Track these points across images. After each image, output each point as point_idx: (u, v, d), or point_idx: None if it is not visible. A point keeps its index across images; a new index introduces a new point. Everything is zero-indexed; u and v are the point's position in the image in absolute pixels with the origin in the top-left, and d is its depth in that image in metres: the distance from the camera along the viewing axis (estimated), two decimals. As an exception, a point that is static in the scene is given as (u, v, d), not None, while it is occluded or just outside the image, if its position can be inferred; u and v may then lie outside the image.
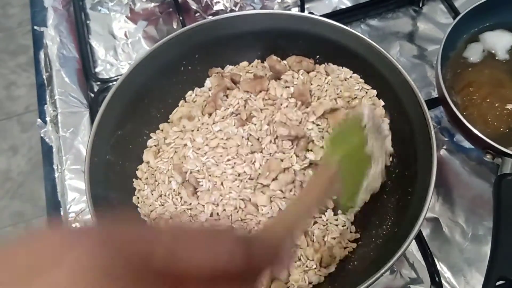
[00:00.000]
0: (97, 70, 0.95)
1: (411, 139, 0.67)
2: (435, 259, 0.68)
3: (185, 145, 0.70)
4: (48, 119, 0.89)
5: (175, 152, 0.70)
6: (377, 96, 0.74)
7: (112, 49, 0.99)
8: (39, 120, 0.89)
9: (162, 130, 0.75)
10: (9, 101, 2.06)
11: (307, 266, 0.63)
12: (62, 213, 0.80)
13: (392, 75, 0.69)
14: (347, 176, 0.53)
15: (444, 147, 0.80)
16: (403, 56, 0.92)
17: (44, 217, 0.78)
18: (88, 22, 1.02)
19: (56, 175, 0.84)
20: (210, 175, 0.67)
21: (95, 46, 0.99)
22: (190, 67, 0.78)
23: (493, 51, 0.78)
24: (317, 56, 0.78)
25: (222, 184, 0.66)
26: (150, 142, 0.73)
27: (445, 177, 0.78)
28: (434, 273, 0.65)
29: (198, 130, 0.70)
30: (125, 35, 1.00)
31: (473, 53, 0.78)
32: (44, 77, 0.95)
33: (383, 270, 0.55)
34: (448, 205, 0.75)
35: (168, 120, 0.76)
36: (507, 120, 0.71)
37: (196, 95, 0.77)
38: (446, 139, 0.80)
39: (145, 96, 0.75)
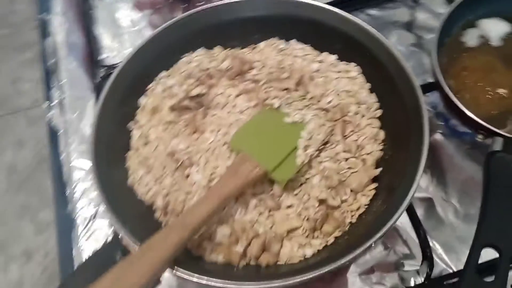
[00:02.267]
0: (102, 56, 0.98)
1: (405, 122, 0.69)
2: (428, 236, 0.70)
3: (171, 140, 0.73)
4: (55, 102, 0.92)
5: (163, 143, 0.73)
6: (371, 80, 0.76)
7: (117, 36, 1.01)
8: (46, 103, 0.92)
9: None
10: (16, 96, 2.09)
11: (304, 240, 0.65)
12: (67, 192, 0.82)
13: (388, 60, 0.72)
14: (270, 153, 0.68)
15: (440, 131, 0.82)
16: (401, 45, 0.94)
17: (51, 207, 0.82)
18: (94, 10, 1.05)
19: (62, 157, 0.86)
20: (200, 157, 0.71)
21: (101, 34, 1.02)
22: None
23: (488, 38, 0.80)
24: (315, 41, 0.80)
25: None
26: (135, 133, 0.75)
27: (440, 160, 0.80)
28: (426, 248, 0.67)
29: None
30: (131, 23, 1.03)
31: (470, 38, 0.80)
32: (50, 63, 0.97)
33: (374, 239, 0.57)
34: (442, 186, 0.77)
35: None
36: (498, 104, 0.74)
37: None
38: (442, 123, 0.83)
39: (150, 74, 0.78)
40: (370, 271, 0.73)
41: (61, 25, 1.02)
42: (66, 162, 0.86)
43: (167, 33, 0.78)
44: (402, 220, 0.73)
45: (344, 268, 0.72)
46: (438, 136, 0.82)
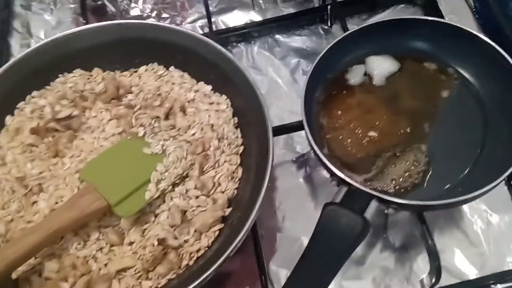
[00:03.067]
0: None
1: (259, 159, 0.66)
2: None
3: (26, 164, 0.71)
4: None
5: (17, 166, 0.71)
6: (239, 114, 0.74)
7: (27, 46, 1.00)
8: None
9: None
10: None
11: (134, 281, 0.63)
12: None
13: (251, 96, 0.69)
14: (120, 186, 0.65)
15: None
16: (304, 73, 0.91)
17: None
18: (10, 19, 1.04)
19: None
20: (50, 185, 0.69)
21: (13, 43, 1.01)
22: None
23: (372, 76, 0.76)
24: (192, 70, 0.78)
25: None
26: None
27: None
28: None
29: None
30: (43, 34, 1.02)
31: (354, 75, 0.77)
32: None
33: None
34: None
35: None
36: (366, 147, 0.70)
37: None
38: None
39: (22, 92, 0.77)
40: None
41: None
42: None
43: (42, 52, 0.77)
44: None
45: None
46: (316, 174, 0.79)
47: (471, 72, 0.75)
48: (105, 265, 0.64)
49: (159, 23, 0.78)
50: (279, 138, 0.84)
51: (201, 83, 0.77)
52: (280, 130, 0.78)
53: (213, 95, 0.76)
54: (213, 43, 0.73)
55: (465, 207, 0.75)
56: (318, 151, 0.66)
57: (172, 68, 0.79)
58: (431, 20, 0.76)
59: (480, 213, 0.75)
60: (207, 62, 0.74)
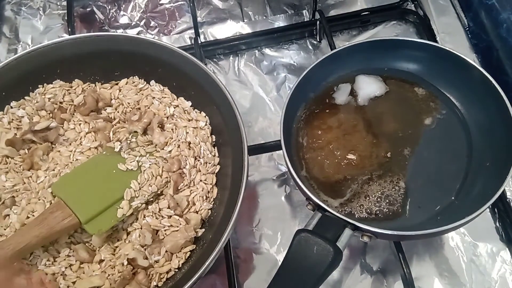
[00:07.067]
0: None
1: (234, 179, 0.65)
2: None
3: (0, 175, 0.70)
4: None
5: None
6: (217, 132, 0.72)
7: (14, 52, 0.99)
8: None
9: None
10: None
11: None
12: None
13: (229, 116, 0.68)
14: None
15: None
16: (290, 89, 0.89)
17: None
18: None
19: None
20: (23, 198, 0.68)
21: (0, 49, 1.00)
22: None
23: (357, 95, 0.75)
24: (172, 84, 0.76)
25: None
26: None
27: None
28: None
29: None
30: (31, 40, 1.01)
31: (340, 94, 0.75)
32: None
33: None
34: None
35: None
36: (344, 169, 0.69)
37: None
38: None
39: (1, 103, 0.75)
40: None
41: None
42: None
43: (23, 62, 0.75)
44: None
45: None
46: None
47: (459, 98, 0.73)
48: (73, 283, 0.63)
49: (139, 36, 0.77)
50: (262, 155, 0.82)
51: (181, 98, 0.76)
52: (258, 149, 0.77)
53: (192, 111, 0.74)
54: (193, 58, 0.71)
55: (446, 234, 0.73)
56: (294, 174, 0.64)
57: (152, 82, 0.78)
58: (419, 42, 0.74)
59: (463, 241, 0.73)
60: (187, 77, 0.73)
